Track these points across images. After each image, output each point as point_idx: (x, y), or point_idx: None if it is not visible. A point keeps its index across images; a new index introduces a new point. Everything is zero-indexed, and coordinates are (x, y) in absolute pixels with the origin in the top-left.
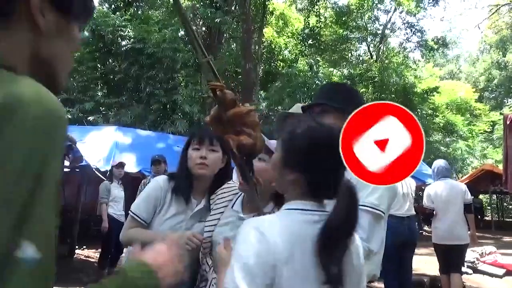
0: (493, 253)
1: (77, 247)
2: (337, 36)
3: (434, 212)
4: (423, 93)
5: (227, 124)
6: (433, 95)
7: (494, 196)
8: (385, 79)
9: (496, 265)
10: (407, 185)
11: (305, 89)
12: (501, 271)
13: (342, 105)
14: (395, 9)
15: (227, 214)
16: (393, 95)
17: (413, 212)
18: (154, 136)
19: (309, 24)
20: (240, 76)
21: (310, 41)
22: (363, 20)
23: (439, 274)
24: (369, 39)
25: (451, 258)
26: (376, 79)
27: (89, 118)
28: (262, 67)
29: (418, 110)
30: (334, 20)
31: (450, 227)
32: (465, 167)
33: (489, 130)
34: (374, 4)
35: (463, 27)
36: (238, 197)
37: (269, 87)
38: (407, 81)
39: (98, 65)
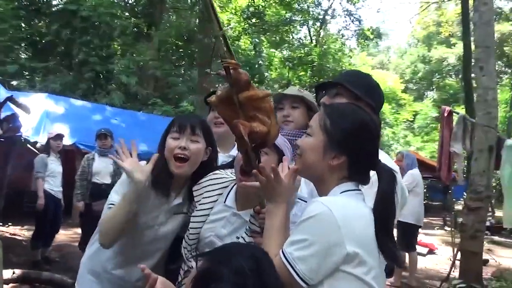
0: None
1: (1, 224)
2: (280, 17)
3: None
4: None
5: (238, 107)
6: None
7: None
8: (323, 64)
9: (420, 245)
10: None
11: (248, 68)
12: (425, 250)
13: (359, 92)
14: None
15: (218, 210)
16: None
17: None
18: (89, 107)
19: (254, 2)
20: (181, 50)
21: (254, 20)
22: (306, 3)
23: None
24: (310, 23)
25: (412, 237)
26: (315, 64)
27: (12, 82)
28: None
29: None
30: (278, 1)
31: (421, 208)
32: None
33: (411, 119)
34: None
35: (396, 20)
36: (230, 190)
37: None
38: (343, 68)
39: (23, 24)
